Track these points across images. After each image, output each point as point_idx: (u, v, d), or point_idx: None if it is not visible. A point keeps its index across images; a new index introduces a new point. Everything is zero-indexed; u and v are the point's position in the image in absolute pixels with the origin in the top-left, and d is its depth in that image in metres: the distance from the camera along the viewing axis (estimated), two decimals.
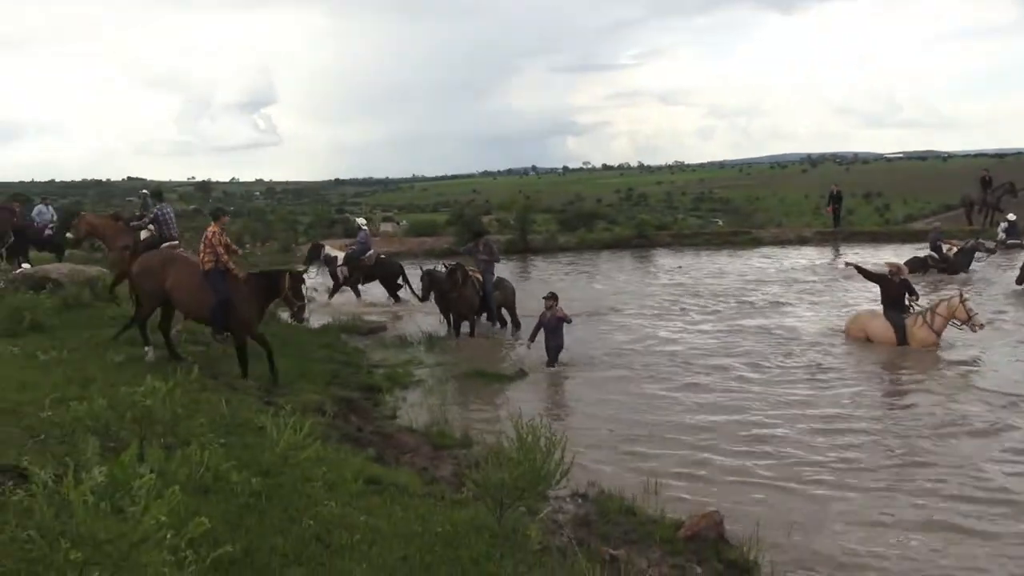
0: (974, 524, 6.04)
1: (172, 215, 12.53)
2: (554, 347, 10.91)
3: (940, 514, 6.21)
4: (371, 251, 16.01)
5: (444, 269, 12.77)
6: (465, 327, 12.95)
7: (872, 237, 26.05)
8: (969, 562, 5.54)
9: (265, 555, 4.02)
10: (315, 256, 16.74)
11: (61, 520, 2.72)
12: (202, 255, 8.88)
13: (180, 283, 8.94)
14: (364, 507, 4.97)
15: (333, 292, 16.16)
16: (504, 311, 13.48)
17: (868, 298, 14.49)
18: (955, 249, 18.68)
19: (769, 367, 10.66)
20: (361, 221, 18.92)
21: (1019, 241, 20.55)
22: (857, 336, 11.97)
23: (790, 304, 15.19)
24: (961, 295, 11.60)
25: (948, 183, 56.28)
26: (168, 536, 2.84)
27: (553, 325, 10.91)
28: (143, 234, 12.35)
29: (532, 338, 11.16)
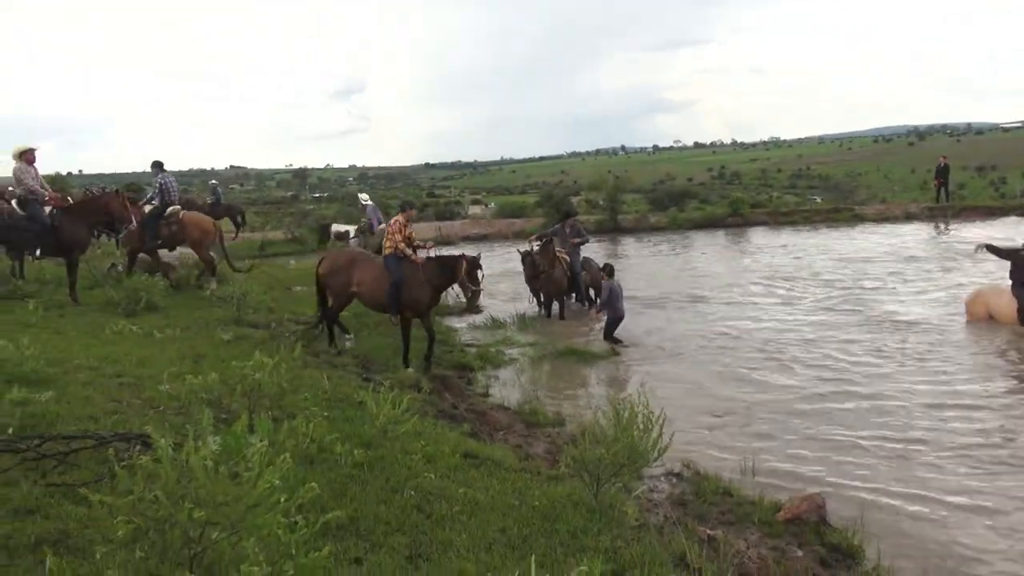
0: None
1: (174, 183, 13.03)
2: (612, 320, 11.25)
3: None
4: (381, 224, 16.04)
5: (536, 247, 12.79)
6: (555, 308, 12.97)
7: (988, 212, 24.45)
8: None
9: (369, 522, 4.16)
10: (325, 236, 18.18)
11: (183, 484, 2.88)
12: (387, 240, 9.47)
13: (364, 279, 9.57)
14: (462, 480, 5.06)
15: None
16: (592, 291, 13.42)
17: (982, 277, 13.68)
18: None
19: (878, 350, 10.18)
20: (364, 197, 18.93)
21: None
22: (978, 314, 11.25)
23: (900, 284, 14.45)
24: None
25: None
26: (281, 500, 2.97)
27: (605, 297, 11.43)
28: (146, 208, 12.86)
29: (599, 309, 11.81)
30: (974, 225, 22.16)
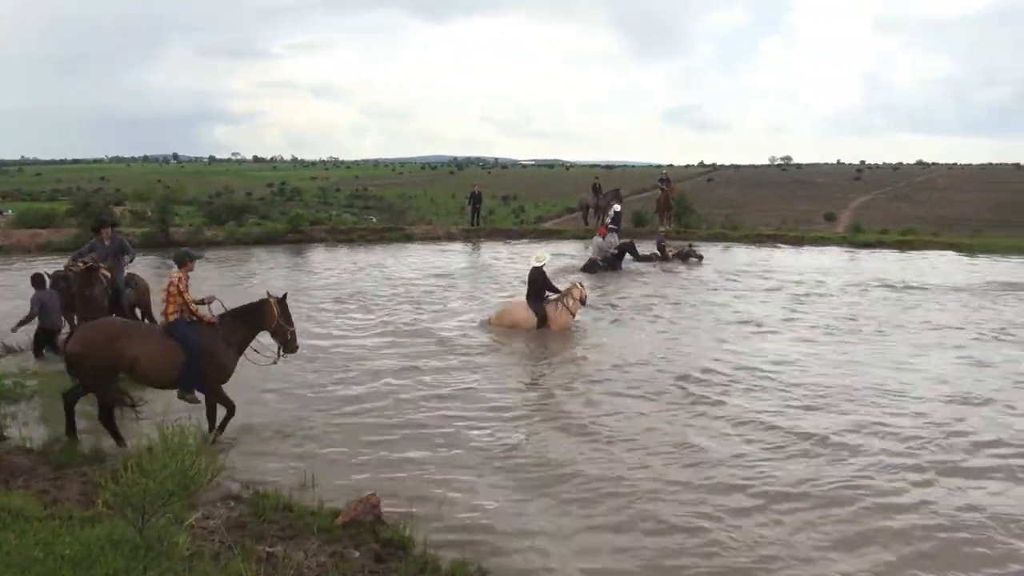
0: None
1: None
2: (42, 331, 10.78)
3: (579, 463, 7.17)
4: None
5: (79, 266, 11.18)
6: None
7: (508, 234, 28.68)
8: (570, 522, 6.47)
9: None
10: None
11: None
12: (168, 306, 7.66)
13: (142, 353, 7.34)
14: None
15: None
16: (137, 311, 12.21)
17: (502, 293, 16.01)
18: (673, 251, 21.66)
19: (426, 358, 11.19)
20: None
21: (616, 228, 23.70)
22: (505, 324, 13.00)
23: (444, 299, 16.06)
24: (580, 283, 13.55)
25: (570, 188, 64.16)
26: None
27: (36, 310, 10.73)
28: None
29: (16, 327, 10.68)
30: (501, 244, 25.84)
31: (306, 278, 17.96)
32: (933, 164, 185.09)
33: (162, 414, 5.87)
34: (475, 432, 8.21)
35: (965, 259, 23.47)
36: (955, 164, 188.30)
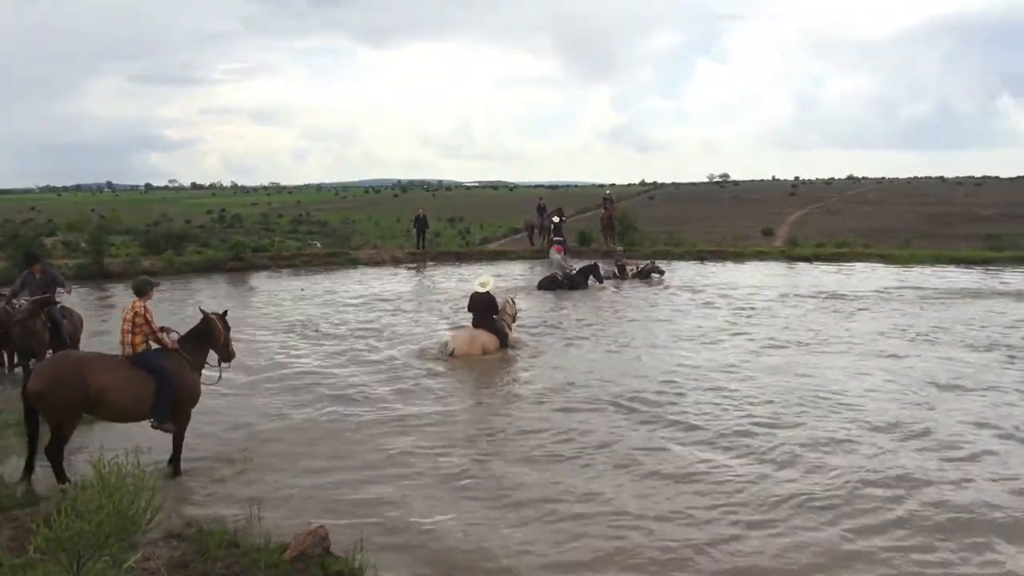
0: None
1: None
2: None
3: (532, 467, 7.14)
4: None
5: (24, 302, 10.80)
6: (31, 364, 11.08)
7: (456, 256, 28.66)
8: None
9: None
10: None
11: None
12: (134, 336, 7.46)
13: (111, 384, 7.12)
14: None
15: None
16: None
17: (451, 314, 15.94)
18: (635, 268, 21.88)
19: (376, 385, 11.05)
20: None
21: (561, 239, 24.27)
22: (473, 352, 12.48)
23: (391, 324, 15.93)
24: (512, 299, 13.55)
25: (515, 209, 64.46)
26: None
27: None
28: None
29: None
30: (449, 267, 25.80)
31: (249, 307, 17.63)
32: (863, 178, 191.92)
33: (99, 451, 5.65)
34: (427, 458, 8.12)
35: (895, 269, 24.33)
36: (884, 178, 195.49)
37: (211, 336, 8.06)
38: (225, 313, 8.38)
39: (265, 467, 7.85)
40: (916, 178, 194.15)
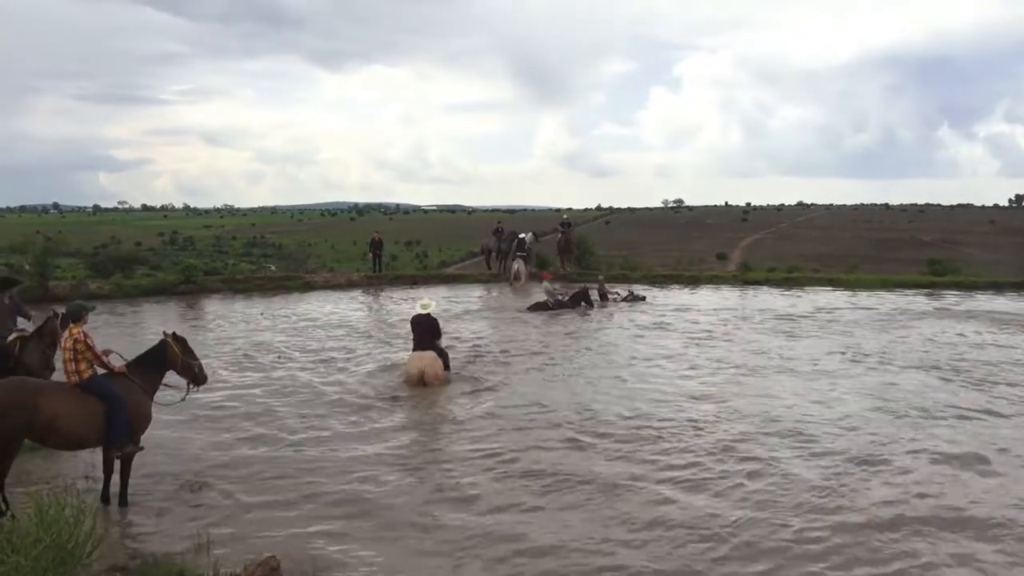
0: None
1: None
2: None
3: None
4: None
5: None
6: None
7: (413, 280, 28.53)
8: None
9: None
10: None
11: None
12: (78, 364, 7.24)
13: (62, 410, 6.96)
14: None
15: None
16: None
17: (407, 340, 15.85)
18: (621, 295, 22.33)
19: (329, 413, 10.88)
20: None
21: (525, 253, 24.87)
22: (435, 378, 12.27)
23: (347, 348, 15.74)
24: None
25: (472, 233, 64.63)
26: None
27: None
28: None
29: None
30: (406, 290, 25.66)
31: (199, 331, 17.24)
32: (812, 205, 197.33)
33: (39, 481, 5.44)
34: (379, 489, 7.94)
35: (843, 293, 24.94)
36: (832, 205, 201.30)
37: (165, 359, 7.87)
38: (173, 333, 8.12)
39: (214, 496, 7.65)
40: (863, 205, 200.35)
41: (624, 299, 22.26)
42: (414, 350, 12.66)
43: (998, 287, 25.91)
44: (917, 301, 22.94)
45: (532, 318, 19.42)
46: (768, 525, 6.95)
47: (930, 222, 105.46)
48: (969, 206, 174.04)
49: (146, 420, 7.67)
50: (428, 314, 12.83)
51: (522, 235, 27.67)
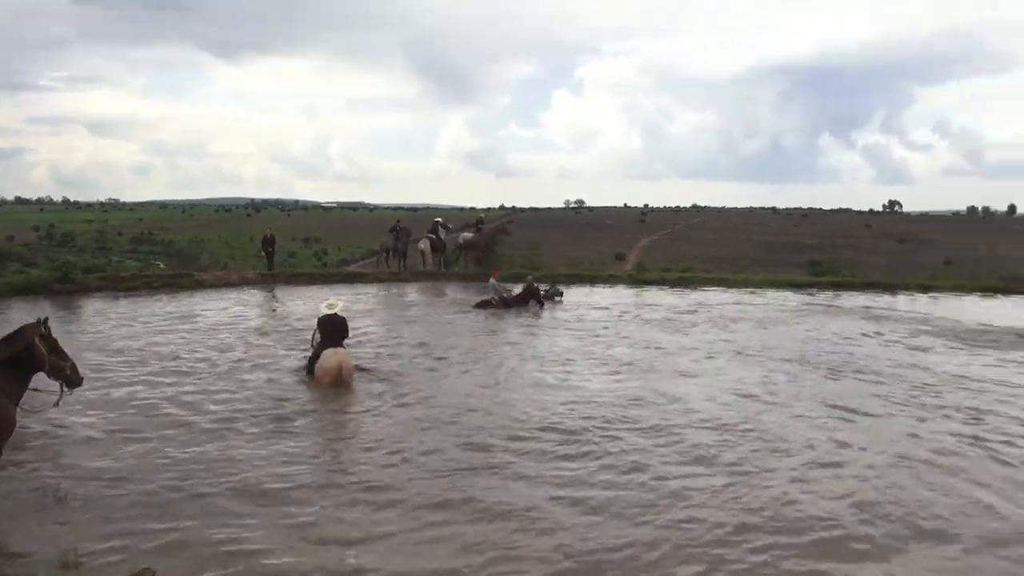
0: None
1: None
2: None
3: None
4: None
5: None
6: None
7: (310, 279, 27.87)
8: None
9: None
10: None
11: None
12: None
13: None
14: None
15: None
16: None
17: (301, 343, 15.51)
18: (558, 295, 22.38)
19: (221, 419, 10.43)
20: None
21: (435, 236, 27.76)
22: (349, 378, 12.00)
23: (239, 348, 15.23)
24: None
25: (373, 231, 63.66)
26: None
27: None
28: None
29: None
30: (303, 288, 25.04)
31: (74, 334, 16.24)
32: (706, 207, 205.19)
33: None
34: (268, 500, 7.59)
35: (731, 293, 26.15)
36: (724, 207, 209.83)
37: (29, 356, 7.08)
38: (46, 324, 7.34)
39: (85, 507, 7.22)
40: (753, 208, 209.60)
41: (545, 294, 22.21)
42: (324, 348, 12.34)
43: (871, 286, 28.11)
44: (793, 299, 24.37)
45: (438, 315, 19.38)
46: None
47: (812, 227, 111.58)
48: (848, 211, 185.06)
49: (10, 426, 7.03)
50: (335, 314, 12.59)
51: (437, 219, 29.66)
